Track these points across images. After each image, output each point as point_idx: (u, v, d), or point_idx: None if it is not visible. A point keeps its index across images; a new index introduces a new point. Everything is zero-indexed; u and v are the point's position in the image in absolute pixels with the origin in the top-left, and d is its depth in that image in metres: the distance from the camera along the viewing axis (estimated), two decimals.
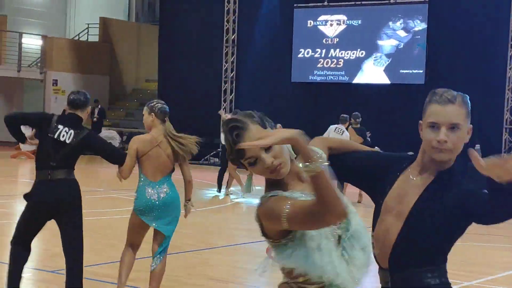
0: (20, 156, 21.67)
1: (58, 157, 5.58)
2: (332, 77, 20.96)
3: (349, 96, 20.76)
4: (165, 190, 5.84)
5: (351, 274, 2.36)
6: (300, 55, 21.32)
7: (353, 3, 20.45)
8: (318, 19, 21.00)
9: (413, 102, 19.90)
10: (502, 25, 18.74)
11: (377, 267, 2.65)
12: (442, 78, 19.52)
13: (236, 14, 22.45)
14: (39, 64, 27.42)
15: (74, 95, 5.83)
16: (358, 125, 14.32)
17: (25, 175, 17.88)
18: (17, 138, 5.96)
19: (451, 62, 19.30)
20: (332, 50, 20.84)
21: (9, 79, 26.44)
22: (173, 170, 5.94)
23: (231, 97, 22.66)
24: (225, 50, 22.61)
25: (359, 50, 20.45)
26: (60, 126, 5.60)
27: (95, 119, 25.83)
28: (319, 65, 21.06)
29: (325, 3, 20.83)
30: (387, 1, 19.94)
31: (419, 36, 19.51)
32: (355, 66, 20.52)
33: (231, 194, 14.53)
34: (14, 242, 5.84)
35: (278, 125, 2.56)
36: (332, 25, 20.81)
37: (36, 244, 8.62)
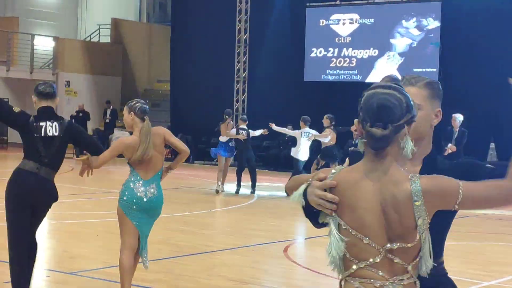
0: None
1: (50, 153, 5.60)
2: (345, 76, 20.90)
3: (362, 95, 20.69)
4: (152, 190, 5.90)
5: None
6: (312, 55, 21.28)
7: (365, 1, 20.39)
8: (330, 18, 20.95)
9: None
10: None
11: None
12: (455, 76, 19.44)
13: (248, 14, 22.42)
14: (51, 66, 27.49)
15: (44, 86, 5.75)
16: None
17: None
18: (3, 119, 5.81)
19: (465, 60, 19.20)
20: (344, 49, 20.78)
21: (22, 81, 26.51)
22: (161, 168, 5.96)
23: (243, 97, 22.63)
24: (237, 50, 22.59)
25: (372, 49, 20.38)
26: (43, 123, 5.59)
27: (107, 120, 25.90)
28: (331, 65, 21.00)
29: (338, 2, 20.78)
30: (400, 0, 19.86)
31: (432, 35, 19.43)
32: (368, 65, 20.46)
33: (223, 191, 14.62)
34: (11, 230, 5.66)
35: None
36: (344, 24, 20.75)
37: (54, 245, 8.66)
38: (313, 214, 2.50)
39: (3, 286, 6.47)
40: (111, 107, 26.19)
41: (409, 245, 2.34)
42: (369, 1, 20.34)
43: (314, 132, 14.67)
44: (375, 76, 20.40)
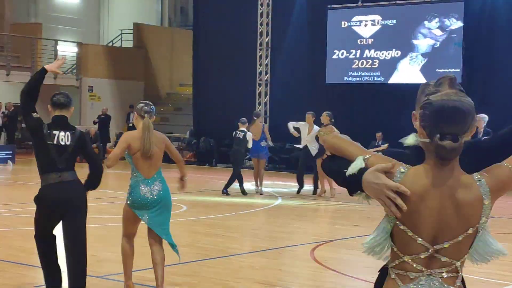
0: None
1: (63, 160, 5.80)
2: (367, 78, 20.85)
3: (385, 97, 20.63)
4: (157, 188, 6.21)
5: None
6: (334, 56, 21.25)
7: (387, 2, 20.33)
8: (352, 20, 20.91)
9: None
10: None
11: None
12: (479, 76, 19.33)
13: (270, 17, 22.45)
14: (74, 71, 27.71)
15: (59, 96, 6.08)
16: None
17: None
18: (26, 109, 6.11)
19: (488, 61, 19.08)
20: (367, 51, 20.74)
21: (46, 86, 26.54)
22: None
23: (265, 100, 22.66)
24: (259, 53, 22.62)
25: (394, 50, 20.31)
26: (56, 132, 5.85)
27: (130, 124, 26.02)
28: (354, 66, 20.96)
29: (359, 3, 20.73)
30: (422, 0, 19.79)
31: (455, 35, 19.32)
32: (390, 66, 20.39)
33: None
34: (37, 237, 6.06)
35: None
36: (366, 25, 20.71)
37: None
38: (351, 184, 2.55)
39: None
40: (134, 111, 26.30)
41: (462, 244, 2.41)
42: (391, 2, 20.28)
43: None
44: (397, 78, 20.33)
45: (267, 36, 22.52)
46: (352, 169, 2.51)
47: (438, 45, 19.62)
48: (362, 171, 2.48)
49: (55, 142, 5.80)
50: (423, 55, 19.88)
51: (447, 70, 19.49)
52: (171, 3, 32.98)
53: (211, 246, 8.83)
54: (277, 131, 18.84)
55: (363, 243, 2.52)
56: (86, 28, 31.78)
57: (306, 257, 8.40)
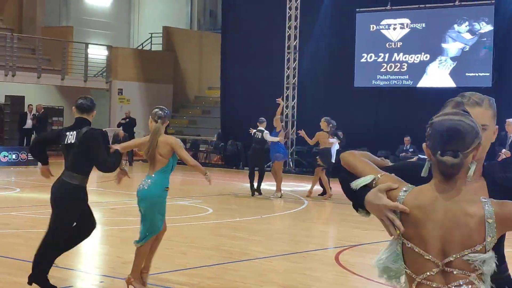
0: None
1: (69, 159, 6.24)
2: (395, 82, 20.73)
3: (413, 101, 20.49)
4: (148, 183, 6.59)
5: None
6: (363, 60, 21.16)
7: (417, 6, 20.19)
8: (381, 23, 20.81)
9: None
10: None
11: None
12: (509, 80, 19.11)
13: (298, 20, 22.44)
14: (104, 74, 27.95)
15: (82, 100, 6.43)
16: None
17: (91, 183, 18.20)
18: (41, 160, 6.65)
19: None
20: (395, 54, 20.62)
21: (76, 89, 27.01)
22: (169, 166, 6.57)
23: (293, 103, 22.64)
24: (287, 56, 22.61)
25: (423, 53, 20.17)
26: (67, 133, 6.28)
27: None
28: (382, 70, 20.86)
29: (388, 7, 20.63)
30: (451, 3, 19.62)
31: (485, 38, 19.13)
32: (419, 70, 20.25)
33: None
34: None
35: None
36: (395, 29, 20.60)
37: (107, 251, 8.80)
38: (356, 197, 2.59)
39: None
40: None
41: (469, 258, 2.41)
42: (420, 6, 20.14)
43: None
44: (426, 81, 20.18)
45: (295, 40, 22.51)
46: (356, 184, 2.58)
47: (467, 49, 19.45)
48: (366, 189, 2.54)
49: (65, 142, 6.25)
50: (453, 58, 19.70)
51: (477, 74, 19.33)
52: (200, 6, 33.13)
53: (235, 249, 8.84)
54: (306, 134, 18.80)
55: (374, 264, 2.52)
56: (116, 31, 32.05)
57: (330, 262, 8.37)
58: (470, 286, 2.41)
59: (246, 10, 24.04)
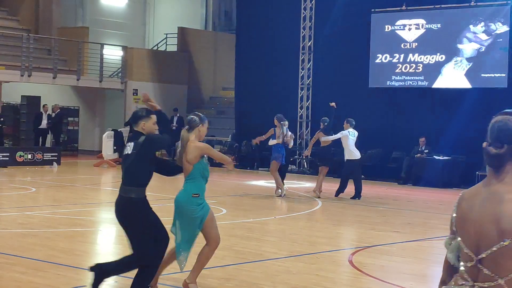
0: (103, 165, 22.19)
1: (124, 171, 6.11)
2: (410, 82, 20.66)
3: (429, 101, 20.42)
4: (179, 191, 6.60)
5: None
6: (377, 60, 21.11)
7: (432, 6, 20.11)
8: (396, 24, 20.75)
9: (496, 106, 19.43)
10: None
11: None
12: None
13: (313, 21, 22.42)
14: (119, 74, 28.07)
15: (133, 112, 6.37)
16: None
17: (107, 183, 18.32)
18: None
19: None
20: (410, 55, 20.55)
21: (91, 89, 27.17)
22: (194, 174, 6.48)
23: (307, 104, 22.63)
24: (302, 57, 22.61)
25: (438, 54, 20.09)
26: (127, 144, 6.16)
27: (174, 127, 26.23)
28: (397, 70, 20.79)
29: (403, 7, 20.57)
30: (467, 4, 19.53)
31: (501, 39, 19.03)
32: (434, 70, 20.17)
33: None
34: None
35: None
36: (410, 29, 20.53)
37: (122, 252, 8.83)
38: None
39: None
40: (178, 115, 26.54)
41: (499, 257, 2.47)
42: (436, 6, 20.06)
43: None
44: (441, 82, 20.10)
45: (309, 40, 22.50)
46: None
47: (483, 50, 19.34)
48: None
49: (124, 153, 6.15)
50: (468, 59, 19.61)
51: (492, 75, 19.22)
52: (215, 7, 33.18)
53: (249, 250, 8.85)
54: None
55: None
56: (131, 32, 32.17)
57: (344, 263, 8.36)
58: None
59: (261, 11, 24.05)
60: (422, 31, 20.34)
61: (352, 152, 14.99)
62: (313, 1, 22.31)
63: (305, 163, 21.94)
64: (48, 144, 25.14)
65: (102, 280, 6.16)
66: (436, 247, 10.10)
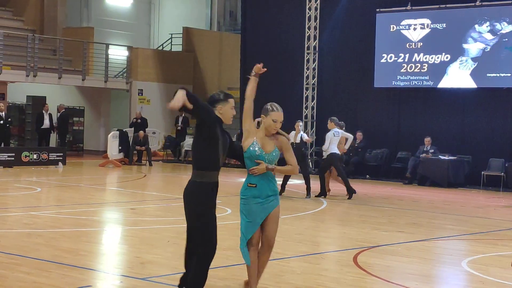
0: (108, 165, 22.22)
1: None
2: (416, 82, 20.63)
3: (434, 101, 20.39)
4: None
5: None
6: (383, 60, 21.09)
7: (437, 6, 20.08)
8: (401, 24, 20.73)
9: (502, 106, 19.40)
10: None
11: None
12: None
13: (318, 21, 22.41)
14: (125, 74, 28.09)
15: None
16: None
17: (112, 183, 18.34)
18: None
19: None
20: (416, 55, 20.53)
21: (96, 89, 27.20)
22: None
23: (313, 103, 22.61)
24: (307, 57, 22.59)
25: (444, 54, 20.06)
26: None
27: (179, 127, 26.27)
28: (402, 70, 20.76)
29: (409, 7, 20.54)
30: (472, 4, 19.49)
31: (506, 39, 18.99)
32: (440, 70, 20.14)
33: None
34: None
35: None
36: (415, 29, 20.50)
37: (126, 251, 8.84)
38: None
39: None
40: (183, 115, 26.55)
41: None
42: (441, 6, 20.03)
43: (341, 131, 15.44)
44: (447, 82, 20.07)
45: (314, 40, 22.48)
46: None
47: (488, 49, 19.31)
48: None
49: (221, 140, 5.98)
50: (473, 59, 19.57)
51: (498, 75, 19.18)
52: (220, 7, 33.19)
53: None
54: (323, 134, 18.80)
55: None
56: (136, 32, 32.22)
57: (349, 263, 8.34)
58: None
59: (266, 11, 24.05)
60: (427, 30, 20.32)
61: (333, 149, 15.10)
62: (318, 1, 22.30)
63: (310, 163, 21.91)
64: (52, 144, 25.18)
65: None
66: (442, 247, 10.08)
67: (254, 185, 6.26)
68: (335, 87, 22.18)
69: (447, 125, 20.05)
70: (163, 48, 31.15)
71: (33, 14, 28.63)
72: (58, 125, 25.23)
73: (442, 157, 19.12)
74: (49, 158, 21.07)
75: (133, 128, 24.40)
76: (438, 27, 20.17)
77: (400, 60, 20.81)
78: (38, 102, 25.60)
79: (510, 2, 18.93)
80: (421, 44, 20.43)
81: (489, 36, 19.29)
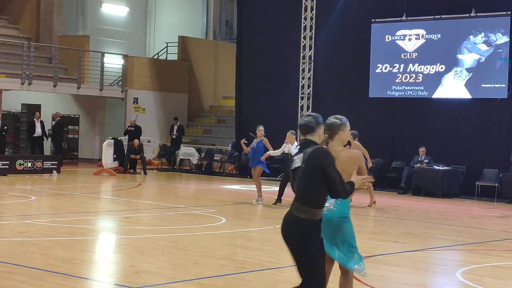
0: (103, 173, 22.19)
1: (296, 186, 5.16)
2: (411, 92, 20.68)
3: (429, 112, 20.43)
4: (329, 203, 5.62)
5: None
6: (378, 70, 21.14)
7: (432, 17, 20.16)
8: (396, 34, 20.80)
9: (496, 116, 19.46)
10: None
11: None
12: None
13: (313, 30, 22.47)
14: (120, 83, 28.09)
15: (302, 119, 5.42)
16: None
17: (107, 192, 18.31)
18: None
19: None
20: (410, 65, 20.59)
21: (92, 98, 27.18)
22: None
23: (307, 113, 22.61)
24: (302, 66, 22.64)
25: (438, 64, 20.12)
26: (296, 156, 5.24)
27: (174, 136, 26.27)
28: (397, 80, 20.82)
29: (404, 17, 20.61)
30: (467, 15, 19.58)
31: (501, 50, 19.06)
32: (434, 80, 20.20)
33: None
34: None
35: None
36: (410, 39, 20.57)
37: (120, 260, 8.83)
38: None
39: None
40: (178, 123, 26.56)
41: None
42: (436, 17, 20.11)
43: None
44: (442, 92, 20.12)
45: (310, 50, 22.53)
46: None
47: (483, 60, 19.38)
48: None
49: (292, 167, 5.21)
50: (468, 70, 19.64)
51: (492, 85, 19.25)
52: (216, 16, 33.26)
53: (248, 259, 8.84)
54: None
55: None
56: (132, 40, 32.23)
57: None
58: None
59: (262, 21, 24.10)
60: (422, 41, 20.39)
61: None
62: (314, 11, 22.36)
63: None
64: (47, 152, 25.14)
65: None
66: (436, 258, 10.09)
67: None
68: (330, 97, 22.21)
69: (442, 135, 20.09)
70: (158, 56, 31.17)
71: (29, 22, 28.63)
72: (53, 133, 25.18)
73: (437, 167, 19.15)
74: (44, 166, 21.03)
75: (127, 136, 24.38)
76: (433, 37, 20.24)
77: (395, 70, 20.86)
78: (33, 110, 25.55)
79: (504, 13, 19.02)
80: (416, 54, 20.50)
81: (483, 47, 19.37)
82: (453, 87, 19.89)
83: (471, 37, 19.52)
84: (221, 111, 29.87)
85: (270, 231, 11.65)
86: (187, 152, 25.29)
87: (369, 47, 21.21)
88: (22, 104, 26.25)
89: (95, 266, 8.49)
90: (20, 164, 20.61)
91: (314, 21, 22.42)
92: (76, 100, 27.93)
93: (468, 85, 19.62)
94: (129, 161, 23.39)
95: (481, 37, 19.35)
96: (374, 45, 21.16)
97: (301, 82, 22.66)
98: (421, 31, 20.37)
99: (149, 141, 25.92)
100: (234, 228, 11.83)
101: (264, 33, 23.95)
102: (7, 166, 20.34)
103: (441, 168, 19.07)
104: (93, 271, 8.21)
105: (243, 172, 23.35)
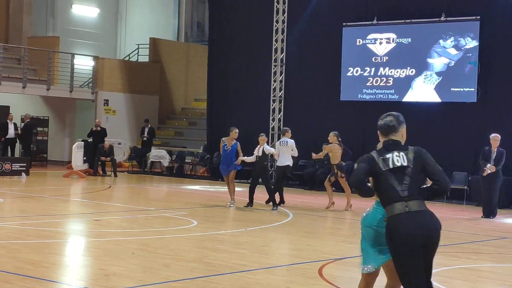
0: (72, 176, 21.99)
1: (405, 185, 5.14)
2: (381, 96, 20.82)
3: None
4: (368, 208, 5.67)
5: None
6: (349, 74, 21.25)
7: (403, 21, 20.32)
8: (367, 38, 20.92)
9: (465, 120, 19.67)
10: None
11: None
12: (494, 96, 19.23)
13: (285, 33, 22.52)
14: (90, 85, 27.88)
15: (381, 119, 5.46)
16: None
17: (77, 194, 18.15)
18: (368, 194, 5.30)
19: (504, 80, 19.00)
20: (381, 69, 20.73)
21: (62, 99, 26.93)
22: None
23: (279, 116, 22.68)
24: (274, 69, 22.67)
25: (409, 68, 20.28)
26: (388, 155, 5.22)
27: (145, 138, 26.15)
28: (368, 84, 20.94)
29: (374, 21, 20.75)
30: (437, 19, 19.75)
31: (470, 54, 19.27)
32: (405, 84, 20.35)
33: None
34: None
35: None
36: (381, 43, 20.71)
37: (90, 263, 8.75)
38: None
39: None
40: (149, 125, 26.45)
41: None
42: (406, 21, 20.27)
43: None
44: (412, 96, 20.28)
45: (281, 53, 22.58)
46: None
47: (453, 64, 19.57)
48: None
49: (391, 166, 5.17)
50: (438, 73, 19.82)
51: (462, 89, 19.45)
52: (187, 18, 33.18)
53: (219, 262, 8.82)
54: None
55: None
56: (103, 42, 32.02)
57: (314, 275, 8.35)
58: None
59: (233, 23, 24.10)
60: (392, 45, 20.54)
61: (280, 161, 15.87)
62: (285, 14, 22.42)
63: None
64: (17, 154, 24.85)
65: None
66: None
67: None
68: (302, 99, 22.27)
69: (411, 139, 20.02)
70: (129, 58, 31.01)
71: None
72: (22, 135, 24.91)
73: None
74: (12, 168, 20.78)
75: (91, 138, 24.19)
76: (403, 41, 20.40)
77: (366, 73, 20.99)
78: (2, 112, 25.25)
79: (474, 18, 19.22)
80: (387, 58, 20.64)
81: (453, 51, 19.56)
82: (423, 90, 20.06)
83: (441, 41, 19.71)
84: (192, 113, 29.80)
85: (241, 234, 11.64)
86: (158, 154, 25.18)
87: (341, 50, 21.31)
88: None
89: (65, 269, 8.41)
90: None
91: (285, 24, 22.48)
92: (45, 101, 27.66)
93: (438, 89, 19.80)
94: (99, 163, 23.23)
95: (451, 42, 19.54)
96: (345, 49, 21.26)
97: (273, 84, 22.69)
98: (392, 35, 20.52)
99: (119, 143, 25.74)
100: (205, 230, 11.80)
101: (235, 35, 23.95)
102: None
103: None
104: (62, 274, 8.13)
105: (214, 174, 23.31)
